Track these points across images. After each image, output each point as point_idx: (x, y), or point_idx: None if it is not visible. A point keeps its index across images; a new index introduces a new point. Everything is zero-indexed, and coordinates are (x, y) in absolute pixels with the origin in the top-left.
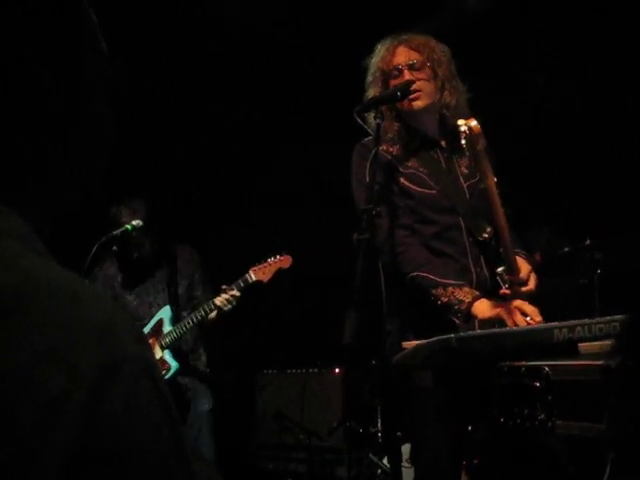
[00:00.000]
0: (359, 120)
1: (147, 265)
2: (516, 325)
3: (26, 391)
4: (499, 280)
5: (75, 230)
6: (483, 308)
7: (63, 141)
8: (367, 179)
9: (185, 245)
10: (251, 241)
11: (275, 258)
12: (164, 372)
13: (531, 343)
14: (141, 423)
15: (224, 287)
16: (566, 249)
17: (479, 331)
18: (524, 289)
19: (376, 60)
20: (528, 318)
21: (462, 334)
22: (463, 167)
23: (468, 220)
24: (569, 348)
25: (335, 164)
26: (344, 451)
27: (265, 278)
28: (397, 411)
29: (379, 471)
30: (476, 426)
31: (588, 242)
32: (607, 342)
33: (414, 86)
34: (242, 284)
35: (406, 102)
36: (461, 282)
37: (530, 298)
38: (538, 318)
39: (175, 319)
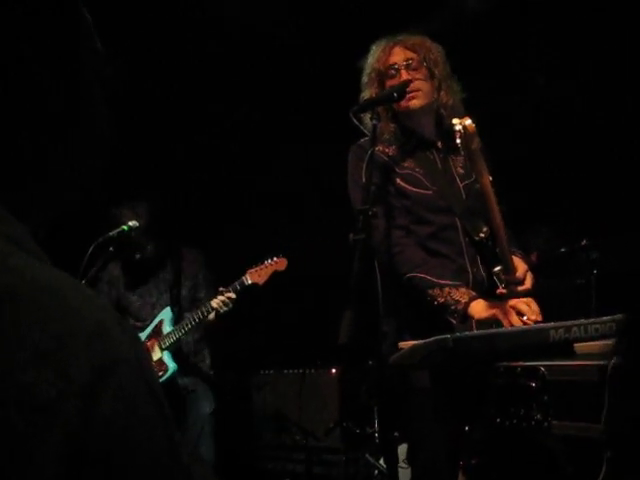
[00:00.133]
0: (355, 121)
1: (150, 266)
2: (512, 325)
3: (22, 394)
4: (496, 280)
5: (74, 230)
6: (480, 308)
7: (63, 141)
8: (363, 180)
9: (190, 246)
10: (250, 241)
11: (271, 261)
12: (162, 373)
13: (527, 343)
14: (135, 424)
15: (221, 289)
16: (563, 249)
17: (476, 331)
18: (521, 288)
19: (371, 61)
20: (525, 318)
21: (459, 334)
22: (459, 167)
23: (464, 220)
24: (565, 348)
25: (335, 164)
26: (341, 451)
27: (261, 281)
28: (394, 411)
29: (376, 471)
30: (473, 426)
31: (585, 242)
32: (603, 342)
33: (412, 85)
34: (238, 286)
35: (403, 102)
36: (458, 282)
37: (527, 297)
38: (534, 317)
39: (176, 320)
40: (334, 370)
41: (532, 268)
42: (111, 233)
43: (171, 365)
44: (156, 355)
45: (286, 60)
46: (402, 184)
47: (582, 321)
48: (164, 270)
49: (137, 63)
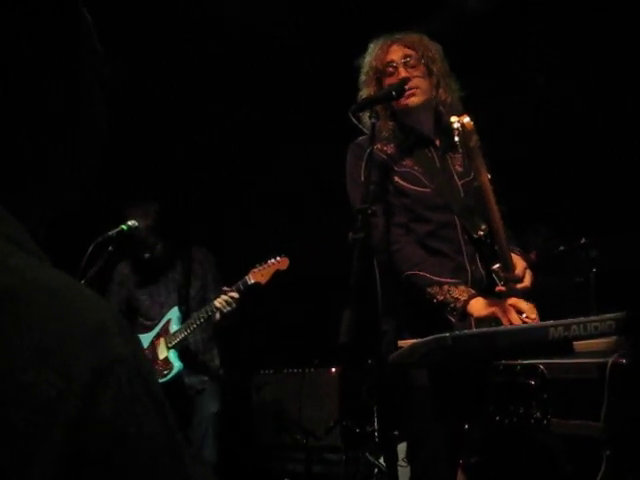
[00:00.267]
0: (354, 120)
1: (159, 266)
2: (511, 323)
3: (22, 394)
4: (495, 277)
5: (74, 230)
6: (479, 306)
7: (63, 141)
8: (362, 178)
9: (200, 247)
10: (251, 241)
11: (273, 260)
12: (167, 372)
13: (526, 341)
14: (134, 424)
15: (225, 289)
16: (562, 248)
17: (475, 329)
18: (519, 286)
19: (369, 59)
20: (524, 316)
21: (458, 333)
22: (457, 165)
23: (463, 218)
24: (564, 346)
25: (335, 164)
26: (341, 450)
27: (263, 280)
28: (394, 410)
29: (376, 470)
30: (472, 425)
31: (584, 241)
32: (603, 340)
33: (410, 83)
34: (241, 286)
35: (402, 100)
36: (457, 280)
37: (526, 295)
38: (533, 315)
39: (183, 320)
40: (334, 369)
41: (531, 266)
42: (110, 232)
43: (176, 364)
44: (163, 354)
45: (286, 60)
46: (401, 182)
47: (581, 319)
48: (173, 270)
49: (137, 63)
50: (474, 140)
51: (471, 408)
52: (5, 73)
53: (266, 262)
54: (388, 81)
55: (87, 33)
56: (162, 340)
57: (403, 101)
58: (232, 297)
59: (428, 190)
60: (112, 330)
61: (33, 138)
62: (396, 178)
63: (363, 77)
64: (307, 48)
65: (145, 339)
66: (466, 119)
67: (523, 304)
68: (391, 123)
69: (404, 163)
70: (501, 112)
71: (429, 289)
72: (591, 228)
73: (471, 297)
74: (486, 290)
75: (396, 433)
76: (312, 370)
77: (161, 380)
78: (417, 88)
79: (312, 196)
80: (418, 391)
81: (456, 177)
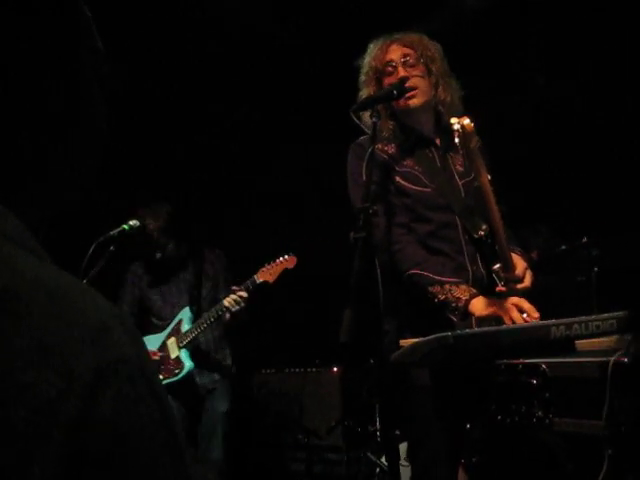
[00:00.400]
0: (355, 119)
1: (171, 266)
2: (513, 322)
3: (22, 394)
4: (495, 277)
5: (75, 230)
6: (480, 306)
7: (63, 141)
8: (363, 178)
9: (212, 247)
10: (250, 241)
11: (282, 259)
12: (178, 371)
13: (528, 340)
14: (136, 424)
15: (234, 288)
16: (563, 247)
17: (476, 329)
18: (520, 286)
19: (369, 59)
20: (525, 315)
21: (459, 332)
22: (458, 165)
23: (463, 218)
24: (566, 345)
25: (335, 164)
26: (343, 450)
27: (271, 279)
28: (395, 409)
29: (377, 470)
30: (474, 424)
31: (585, 240)
32: (604, 339)
33: (409, 82)
34: (250, 285)
35: (402, 100)
36: (458, 280)
37: (526, 295)
38: (535, 315)
39: (195, 320)
40: (335, 369)
41: (532, 266)
42: (112, 232)
43: (187, 363)
44: (174, 353)
45: (286, 60)
46: (401, 182)
47: (583, 318)
48: (185, 270)
49: (137, 63)
50: (474, 141)
51: (473, 407)
52: (5, 73)
53: (274, 261)
54: (388, 81)
55: (88, 32)
56: (173, 340)
57: (403, 102)
58: (241, 296)
59: (429, 190)
60: (115, 330)
61: (33, 138)
62: (397, 178)
63: (363, 77)
64: (307, 48)
65: (157, 339)
66: (466, 121)
67: (525, 303)
68: (391, 123)
69: (405, 163)
70: (501, 112)
71: (430, 288)
72: (592, 227)
73: (472, 296)
74: (486, 290)
75: (398, 432)
76: (313, 370)
77: (172, 379)
78: (416, 89)
79: (312, 196)
80: (419, 390)
81: (457, 177)
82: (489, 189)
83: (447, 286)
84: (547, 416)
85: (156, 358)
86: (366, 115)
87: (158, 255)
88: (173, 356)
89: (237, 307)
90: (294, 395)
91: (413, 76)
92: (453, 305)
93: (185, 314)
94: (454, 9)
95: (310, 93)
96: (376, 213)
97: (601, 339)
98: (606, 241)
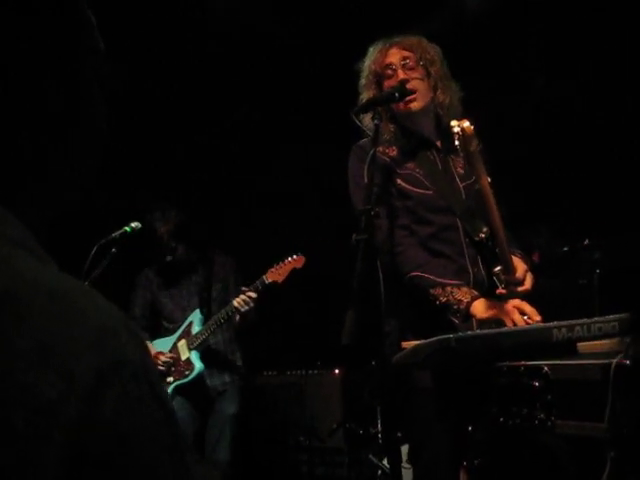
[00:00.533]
0: (357, 121)
1: (182, 269)
2: (515, 325)
3: (22, 395)
4: (496, 280)
5: (77, 232)
6: (482, 308)
7: (63, 141)
8: (365, 180)
9: (222, 251)
10: (250, 241)
11: (290, 259)
12: (188, 372)
13: (530, 343)
14: (137, 426)
15: (243, 289)
16: (565, 249)
17: (478, 331)
18: (520, 289)
19: (368, 62)
20: (526, 317)
21: (461, 334)
22: (459, 168)
23: (464, 220)
24: (568, 347)
25: (335, 164)
26: (344, 452)
27: (280, 279)
28: (397, 411)
29: (379, 472)
30: (476, 426)
31: (587, 242)
32: (606, 341)
33: (409, 85)
34: (259, 286)
35: (402, 104)
36: (459, 282)
37: (527, 298)
38: (537, 317)
39: (205, 322)
40: (337, 371)
41: (533, 268)
42: (114, 234)
43: (198, 365)
44: (184, 355)
45: (286, 60)
46: (403, 185)
47: (585, 320)
48: (196, 273)
49: (137, 63)
50: (474, 144)
51: (475, 409)
52: (5, 73)
53: (282, 261)
54: (388, 83)
55: (88, 32)
56: (184, 342)
57: (404, 105)
58: (250, 297)
59: (430, 192)
60: (117, 332)
61: (33, 138)
62: (399, 180)
63: (363, 81)
64: (307, 48)
65: (168, 341)
66: (466, 123)
67: (527, 306)
68: (392, 126)
69: (406, 165)
70: (501, 112)
71: (432, 291)
72: (594, 229)
73: (474, 299)
74: (487, 293)
75: (399, 435)
76: (315, 372)
77: (183, 380)
78: (417, 92)
79: (312, 196)
80: (421, 392)
81: (458, 179)
82: (489, 192)
83: (448, 288)
84: (549, 418)
85: (167, 360)
86: (367, 117)
87: (169, 258)
88: (183, 358)
89: (246, 307)
90: (295, 397)
91: (413, 79)
92: (454, 307)
93: (195, 316)
94: (454, 9)
95: (310, 93)
96: (378, 215)
97: (603, 341)
98: (608, 243)
